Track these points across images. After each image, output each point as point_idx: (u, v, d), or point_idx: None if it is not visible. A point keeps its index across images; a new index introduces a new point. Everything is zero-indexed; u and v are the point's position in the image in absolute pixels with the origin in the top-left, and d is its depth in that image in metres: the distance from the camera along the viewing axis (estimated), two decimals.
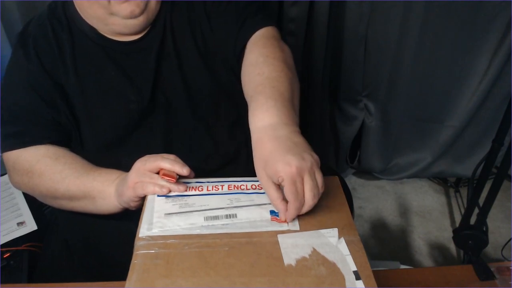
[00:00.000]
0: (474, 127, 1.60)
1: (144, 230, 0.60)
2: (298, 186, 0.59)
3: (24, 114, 0.83)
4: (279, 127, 0.64)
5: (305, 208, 0.61)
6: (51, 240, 0.97)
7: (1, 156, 0.86)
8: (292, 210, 0.60)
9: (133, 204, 0.73)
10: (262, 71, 0.75)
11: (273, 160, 0.60)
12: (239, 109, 0.91)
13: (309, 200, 0.60)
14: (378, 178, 1.87)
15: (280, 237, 0.59)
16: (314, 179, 0.60)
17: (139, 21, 0.81)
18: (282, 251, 0.57)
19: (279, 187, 0.61)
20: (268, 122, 0.65)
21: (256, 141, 0.65)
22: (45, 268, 0.94)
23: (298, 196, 0.59)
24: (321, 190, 0.61)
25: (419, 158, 1.74)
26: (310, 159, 0.60)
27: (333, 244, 0.58)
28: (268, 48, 0.80)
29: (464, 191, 1.84)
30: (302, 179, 0.59)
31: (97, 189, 0.77)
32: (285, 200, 0.61)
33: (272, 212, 0.64)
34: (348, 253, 0.57)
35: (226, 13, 0.86)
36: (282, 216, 0.61)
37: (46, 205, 1.15)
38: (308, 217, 0.62)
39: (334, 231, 0.60)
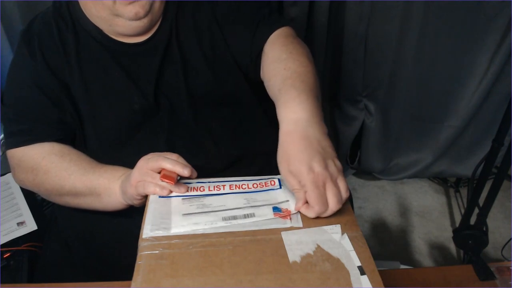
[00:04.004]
0: (474, 127, 1.60)
1: (148, 231, 0.60)
2: (321, 191, 0.60)
3: (29, 111, 0.84)
4: (310, 125, 0.66)
5: (328, 213, 0.62)
6: (51, 240, 0.97)
7: (2, 155, 0.86)
8: (312, 213, 0.61)
9: (136, 202, 0.73)
10: (288, 66, 0.77)
11: (298, 160, 0.61)
12: (242, 113, 0.91)
13: (333, 206, 0.61)
14: (378, 178, 1.86)
15: (284, 234, 0.59)
16: (336, 186, 0.61)
17: (143, 23, 0.81)
18: (287, 248, 0.57)
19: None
20: (300, 116, 0.67)
21: (286, 133, 0.66)
22: (45, 268, 0.94)
23: (321, 199, 0.60)
24: (344, 196, 0.62)
25: (419, 158, 1.73)
26: (333, 166, 0.62)
27: (337, 240, 0.58)
28: (289, 45, 0.82)
29: (464, 191, 1.84)
30: (325, 185, 0.61)
31: (103, 186, 0.77)
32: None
33: (275, 208, 0.64)
34: (352, 248, 0.57)
35: (239, 17, 0.87)
36: (298, 205, 0.62)
37: (46, 205, 1.15)
38: None
39: (337, 227, 0.61)
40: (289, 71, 0.76)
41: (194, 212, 0.64)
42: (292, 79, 0.73)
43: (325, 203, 0.61)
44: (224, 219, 0.62)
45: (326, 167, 0.61)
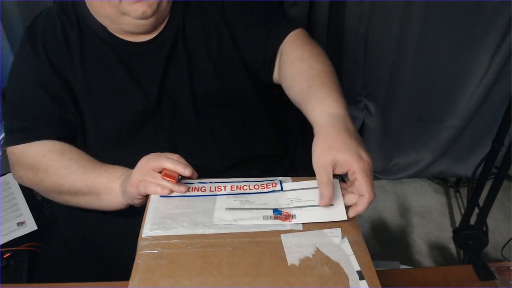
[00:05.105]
0: (474, 127, 1.60)
1: (147, 230, 0.60)
2: (371, 178, 0.62)
3: (30, 109, 0.83)
4: (348, 121, 0.69)
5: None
6: (51, 240, 0.97)
7: (2, 154, 0.86)
8: (364, 204, 0.61)
9: (136, 202, 0.73)
10: (314, 66, 0.79)
11: (348, 149, 0.63)
12: (245, 114, 0.91)
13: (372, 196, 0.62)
14: (378, 178, 1.86)
15: (283, 237, 0.59)
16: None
17: (150, 22, 0.81)
18: (286, 250, 0.57)
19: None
20: (338, 112, 0.69)
21: (328, 125, 0.68)
22: (45, 268, 0.94)
23: (373, 187, 0.61)
24: None
25: (419, 158, 1.73)
26: (371, 158, 0.64)
27: (337, 244, 0.58)
28: (309, 46, 0.84)
29: (464, 191, 1.83)
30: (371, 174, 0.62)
31: (102, 185, 0.77)
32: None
33: (275, 211, 0.64)
34: (352, 252, 0.57)
35: (250, 18, 0.88)
36: (323, 201, 0.62)
37: (46, 205, 1.15)
38: None
39: (338, 231, 0.60)
40: (315, 70, 0.78)
41: (196, 212, 0.63)
42: (321, 78, 0.76)
43: (374, 191, 0.61)
44: (226, 220, 0.62)
45: (369, 156, 0.63)
